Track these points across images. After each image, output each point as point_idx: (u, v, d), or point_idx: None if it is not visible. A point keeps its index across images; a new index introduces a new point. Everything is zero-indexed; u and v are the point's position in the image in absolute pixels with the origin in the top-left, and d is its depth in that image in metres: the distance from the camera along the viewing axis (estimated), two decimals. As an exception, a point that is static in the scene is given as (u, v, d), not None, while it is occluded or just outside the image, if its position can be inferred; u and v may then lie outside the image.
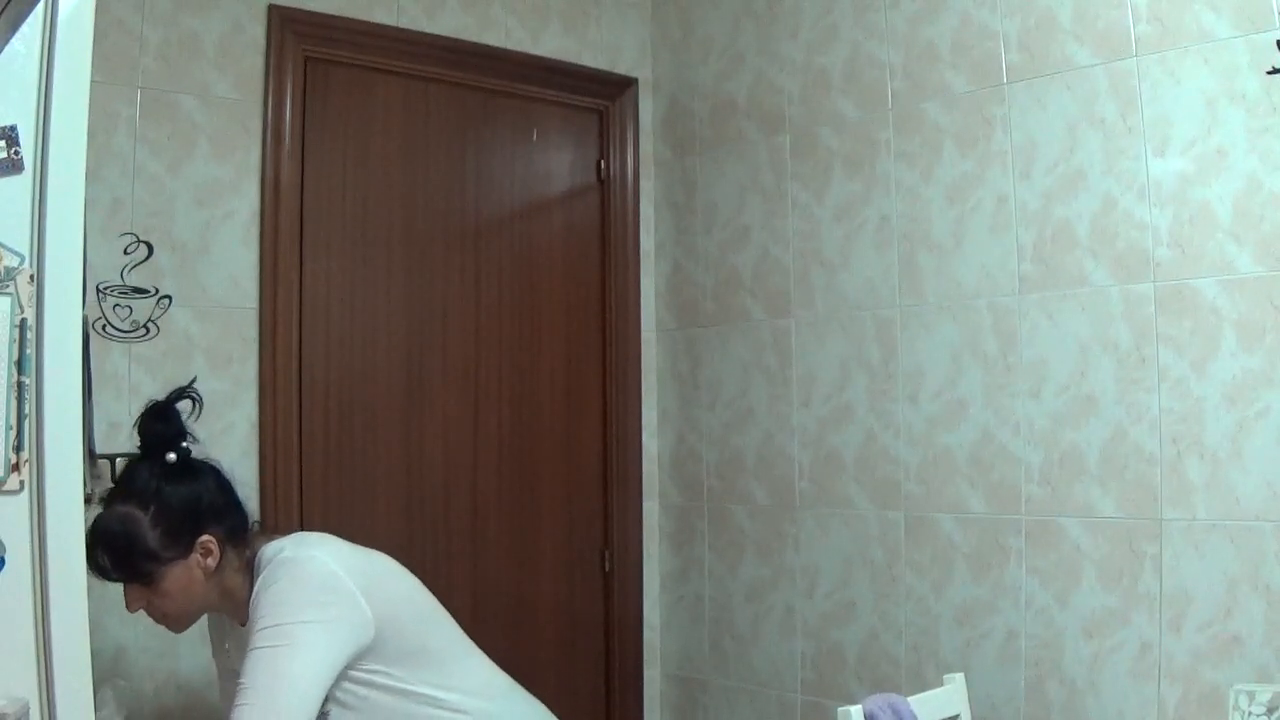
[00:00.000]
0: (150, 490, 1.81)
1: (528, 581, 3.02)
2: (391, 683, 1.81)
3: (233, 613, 1.89)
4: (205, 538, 1.82)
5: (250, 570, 1.84)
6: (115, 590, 2.35)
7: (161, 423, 1.87)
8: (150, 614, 1.85)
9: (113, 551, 1.76)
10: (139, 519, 1.78)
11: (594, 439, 3.19)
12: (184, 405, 1.91)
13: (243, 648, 1.77)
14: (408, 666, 1.83)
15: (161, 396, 2.45)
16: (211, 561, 1.82)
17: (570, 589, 3.11)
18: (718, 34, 3.16)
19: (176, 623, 1.88)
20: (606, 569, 3.18)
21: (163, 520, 1.79)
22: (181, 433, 1.87)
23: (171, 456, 1.84)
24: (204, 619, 2.01)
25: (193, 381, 1.96)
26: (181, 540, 1.80)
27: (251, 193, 2.58)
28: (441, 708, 1.86)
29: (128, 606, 1.82)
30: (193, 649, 2.38)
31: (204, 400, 1.95)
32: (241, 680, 1.65)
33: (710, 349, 3.15)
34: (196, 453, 1.91)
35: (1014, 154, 2.48)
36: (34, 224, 1.43)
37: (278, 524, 2.56)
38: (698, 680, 3.14)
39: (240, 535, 1.88)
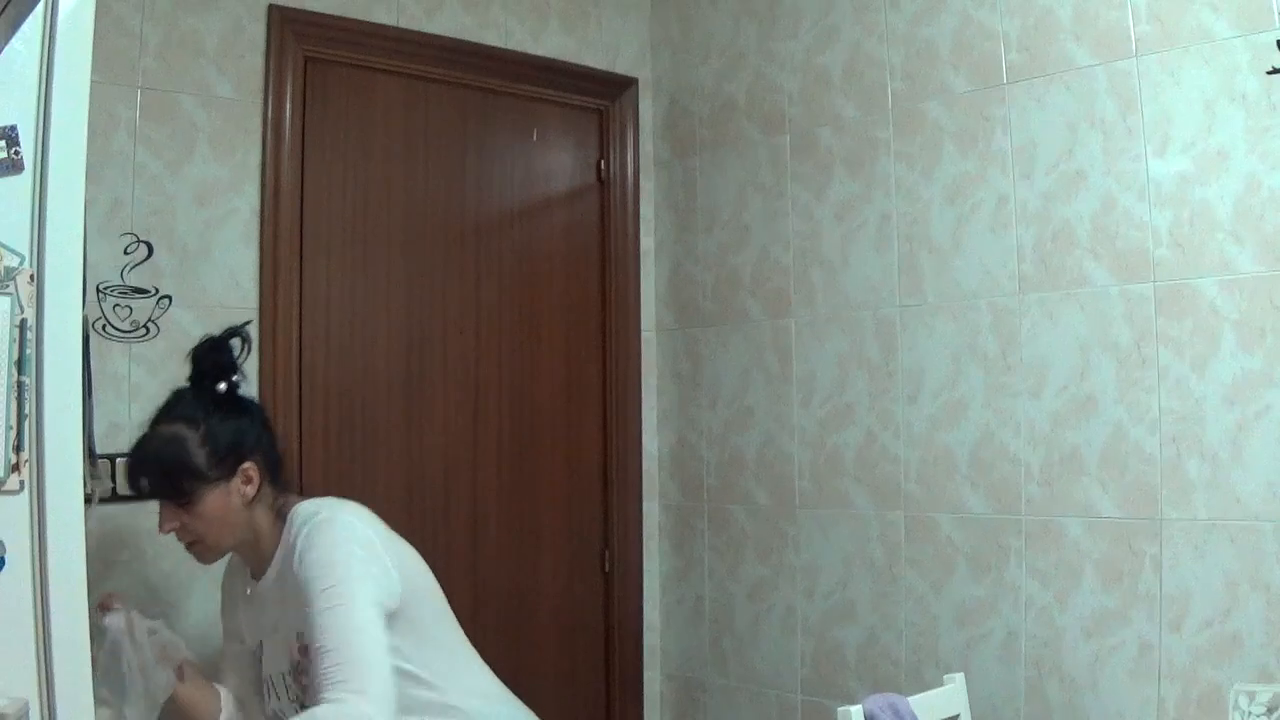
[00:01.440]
0: (200, 413, 1.86)
1: (528, 581, 3.02)
2: (398, 660, 1.79)
3: (254, 557, 1.91)
4: (248, 464, 1.86)
5: (280, 520, 1.87)
6: (115, 590, 2.35)
7: (216, 353, 1.91)
8: (182, 537, 1.87)
9: (158, 466, 1.82)
10: (187, 437, 1.84)
11: (594, 439, 3.19)
12: (235, 345, 1.97)
13: (259, 604, 1.88)
14: (415, 647, 1.84)
15: (162, 394, 2.46)
16: (250, 490, 1.86)
17: (570, 589, 3.11)
18: (718, 34, 3.16)
19: (207, 550, 1.89)
20: (606, 569, 3.18)
21: (210, 441, 1.84)
22: (233, 365, 1.92)
23: (222, 386, 1.89)
24: (220, 576, 2.08)
25: (246, 323, 2.00)
26: (225, 463, 1.85)
27: (251, 193, 2.58)
28: (437, 694, 1.87)
29: (161, 526, 1.85)
30: (192, 649, 2.37)
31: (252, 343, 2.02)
32: (319, 643, 1.68)
33: (710, 349, 3.15)
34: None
35: (1014, 154, 2.48)
36: (34, 224, 1.43)
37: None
38: (698, 680, 3.14)
39: (277, 475, 1.93)
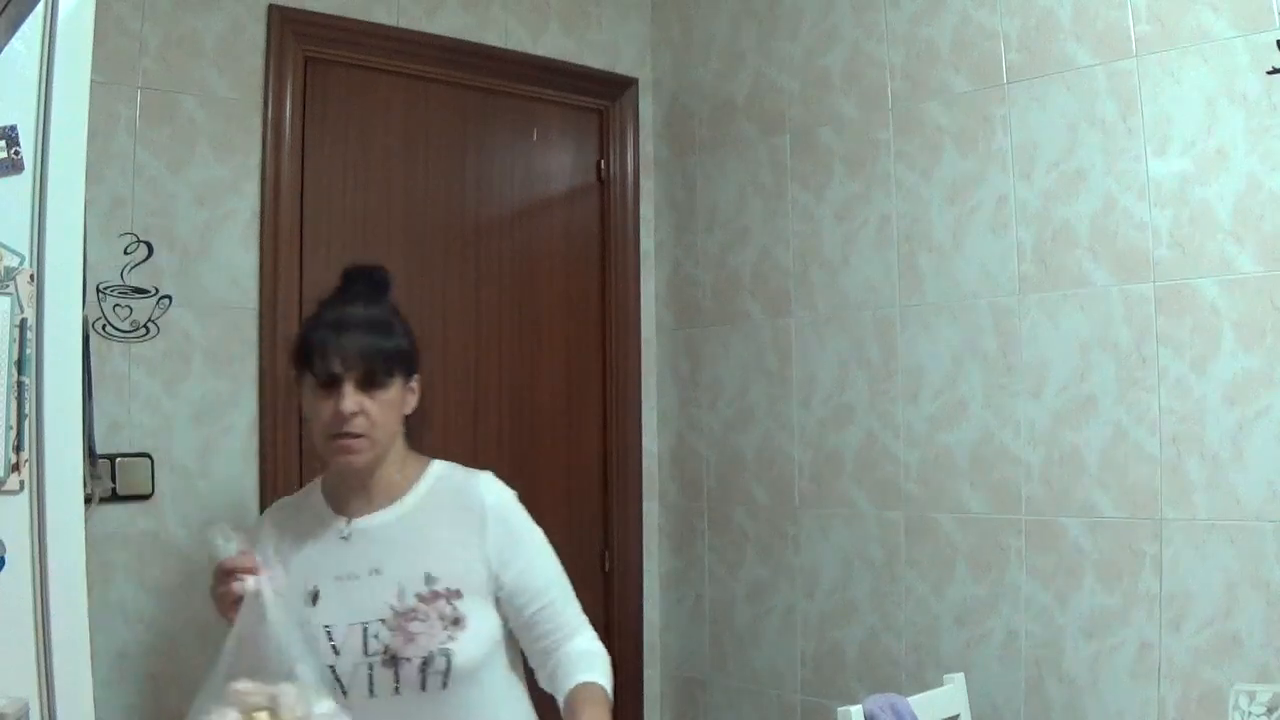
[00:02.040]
0: (396, 306, 1.84)
1: (528, 581, 3.02)
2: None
3: (370, 486, 1.78)
4: (418, 377, 1.82)
5: (415, 461, 1.82)
6: (115, 590, 2.36)
7: (383, 271, 1.88)
8: (353, 425, 1.70)
9: (372, 337, 1.73)
10: (395, 322, 1.80)
11: (594, 439, 3.19)
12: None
13: (358, 543, 1.73)
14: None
15: (162, 395, 2.46)
16: (412, 401, 1.81)
17: (570, 589, 3.11)
18: (718, 34, 3.16)
19: (371, 446, 1.73)
20: (606, 569, 3.18)
21: (407, 335, 1.81)
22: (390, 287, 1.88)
23: (394, 299, 1.87)
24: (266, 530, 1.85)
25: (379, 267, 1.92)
26: (411, 363, 1.80)
27: (251, 193, 2.58)
28: (512, 677, 1.83)
29: (343, 404, 1.69)
30: (192, 649, 2.38)
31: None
32: (556, 593, 1.77)
33: (710, 349, 3.15)
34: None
35: (1014, 154, 2.48)
36: (34, 224, 1.43)
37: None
38: (698, 680, 3.14)
39: (417, 404, 1.85)
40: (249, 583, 1.56)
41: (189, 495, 2.45)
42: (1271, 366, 2.08)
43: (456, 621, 1.69)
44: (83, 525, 1.46)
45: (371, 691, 1.68)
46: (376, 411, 1.71)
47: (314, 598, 1.73)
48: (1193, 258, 2.19)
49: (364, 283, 1.84)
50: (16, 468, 1.38)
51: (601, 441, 3.20)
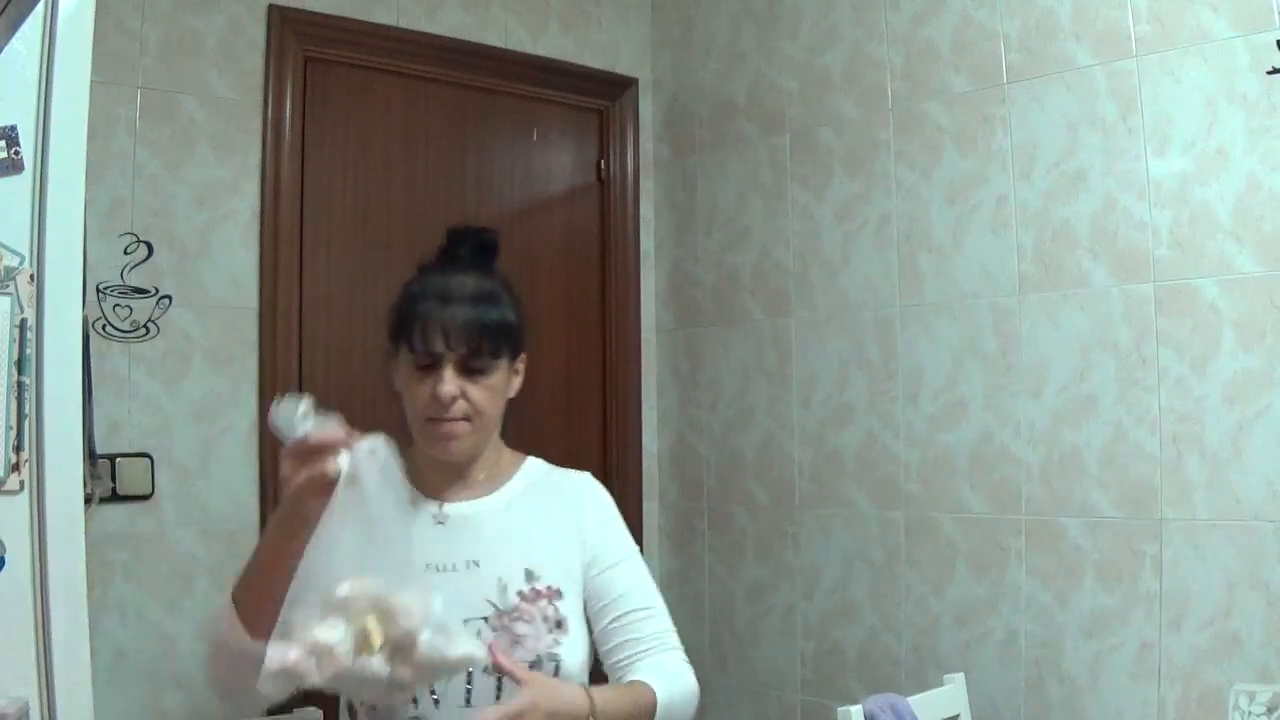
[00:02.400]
0: (505, 275, 1.61)
1: (528, 581, 3.02)
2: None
3: (468, 468, 1.58)
4: (523, 355, 1.60)
5: (512, 453, 1.65)
6: (115, 590, 2.36)
7: (494, 234, 1.64)
8: (454, 410, 1.50)
9: (480, 313, 1.51)
10: (505, 296, 1.57)
11: (594, 439, 3.18)
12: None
13: (452, 529, 1.53)
14: None
15: (162, 395, 2.46)
16: (517, 384, 1.60)
17: (570, 589, 3.11)
18: (718, 34, 3.16)
19: (473, 433, 1.53)
20: (606, 569, 3.18)
21: (517, 311, 1.58)
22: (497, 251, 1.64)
23: (503, 273, 1.62)
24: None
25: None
26: (519, 342, 1.58)
27: (251, 193, 2.58)
28: None
29: (443, 388, 1.49)
30: (193, 650, 2.38)
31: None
32: (646, 602, 1.58)
33: (710, 349, 3.15)
34: None
35: (1014, 154, 2.48)
36: (34, 224, 1.43)
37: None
38: (698, 680, 3.13)
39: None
40: (342, 461, 1.26)
41: (189, 495, 2.45)
42: (1271, 366, 2.08)
43: (560, 624, 1.52)
44: (83, 525, 1.46)
45: (469, 701, 1.45)
46: (480, 397, 1.51)
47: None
48: (1193, 258, 2.19)
49: (472, 246, 1.60)
50: (16, 468, 1.38)
51: (601, 441, 3.19)
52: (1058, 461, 2.38)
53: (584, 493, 1.64)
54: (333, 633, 1.19)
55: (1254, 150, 2.11)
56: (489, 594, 1.49)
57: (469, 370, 1.50)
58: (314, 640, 1.19)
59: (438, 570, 1.49)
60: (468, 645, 1.29)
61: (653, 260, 3.31)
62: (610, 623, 1.56)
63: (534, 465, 1.66)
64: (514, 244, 3.06)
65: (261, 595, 1.30)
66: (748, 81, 3.06)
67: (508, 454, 1.64)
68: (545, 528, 1.58)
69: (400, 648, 1.22)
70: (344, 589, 1.21)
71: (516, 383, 1.60)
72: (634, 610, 1.56)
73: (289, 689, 1.21)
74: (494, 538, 1.54)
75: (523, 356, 1.60)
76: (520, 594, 1.50)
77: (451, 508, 1.56)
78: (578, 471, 1.68)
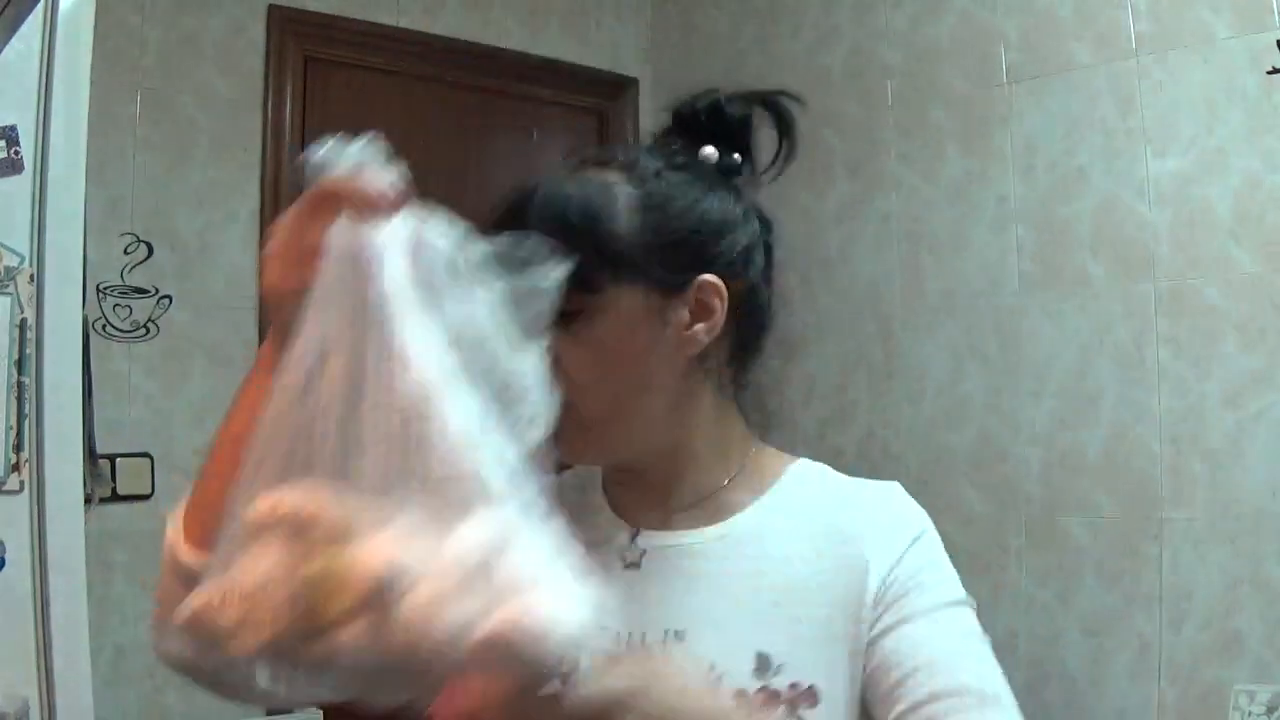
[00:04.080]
0: (653, 169, 0.95)
1: (528, 581, 3.02)
2: None
3: (674, 479, 0.95)
4: (711, 278, 0.91)
5: (756, 457, 0.98)
6: (115, 590, 2.36)
7: (732, 107, 1.07)
8: None
9: (551, 222, 0.87)
10: (622, 193, 0.91)
11: (594, 439, 3.18)
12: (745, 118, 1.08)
13: (646, 579, 0.92)
14: None
15: (162, 395, 2.46)
16: (703, 330, 0.90)
17: (570, 589, 3.11)
18: (718, 34, 3.16)
19: (582, 432, 0.88)
20: (607, 569, 3.17)
21: (660, 211, 0.92)
22: (744, 136, 1.05)
23: (710, 152, 1.00)
24: None
25: (799, 100, 1.11)
26: (673, 256, 0.91)
27: (251, 193, 2.58)
28: None
29: None
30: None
31: (791, 153, 1.09)
32: (949, 672, 0.86)
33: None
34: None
35: (1014, 154, 2.48)
36: (34, 224, 1.43)
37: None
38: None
39: (752, 346, 0.97)
40: (382, 233, 0.70)
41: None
42: (1271, 366, 2.08)
43: None
44: (83, 525, 1.46)
45: None
46: (577, 362, 0.86)
47: None
48: (1193, 258, 2.19)
49: (699, 110, 1.06)
50: (16, 468, 1.38)
51: (601, 441, 3.19)
52: (1058, 461, 2.38)
53: (879, 514, 0.96)
54: (255, 569, 0.61)
55: (1254, 150, 2.11)
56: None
57: (562, 315, 0.81)
58: (227, 581, 0.62)
59: (622, 642, 0.91)
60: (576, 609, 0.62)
61: (653, 260, 3.31)
62: (903, 712, 0.85)
63: (805, 473, 1.00)
64: (514, 244, 3.07)
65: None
66: (748, 81, 3.05)
67: (762, 455, 0.99)
68: (806, 579, 0.90)
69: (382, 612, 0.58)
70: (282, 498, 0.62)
71: (701, 329, 0.90)
72: (936, 696, 0.84)
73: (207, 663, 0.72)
74: (712, 593, 0.91)
75: (708, 282, 0.90)
76: (743, 695, 0.87)
77: (650, 538, 0.95)
78: (882, 483, 1.00)
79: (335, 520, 0.61)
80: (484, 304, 0.68)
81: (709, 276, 0.90)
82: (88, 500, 1.73)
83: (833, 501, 0.96)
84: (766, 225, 1.02)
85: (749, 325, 0.96)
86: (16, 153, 1.41)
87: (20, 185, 1.42)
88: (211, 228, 2.53)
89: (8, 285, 1.39)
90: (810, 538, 0.92)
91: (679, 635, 0.90)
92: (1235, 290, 2.13)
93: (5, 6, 1.21)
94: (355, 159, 0.74)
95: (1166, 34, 2.23)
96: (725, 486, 0.96)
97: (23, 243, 1.41)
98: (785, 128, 1.07)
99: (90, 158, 1.52)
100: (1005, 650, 2.44)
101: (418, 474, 0.61)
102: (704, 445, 0.95)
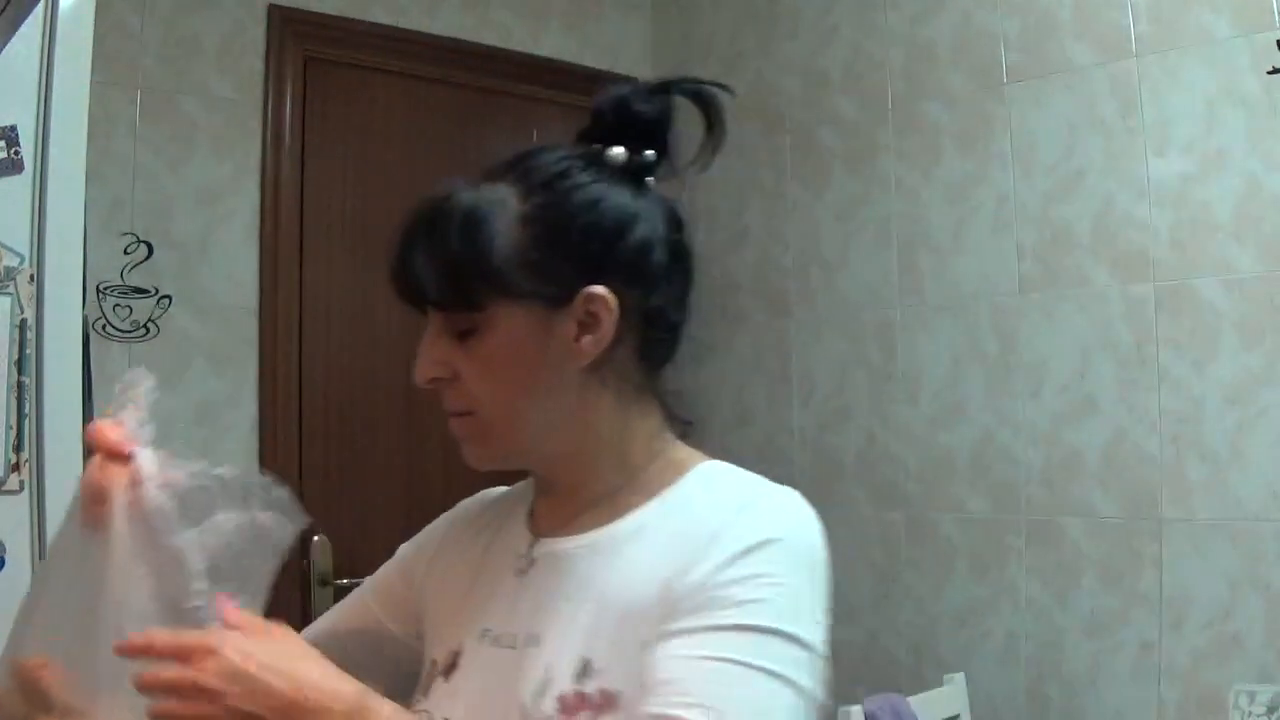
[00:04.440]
0: (551, 174, 0.93)
1: (528, 581, 3.02)
2: None
3: (572, 481, 0.98)
4: (599, 290, 0.91)
5: (663, 463, 0.98)
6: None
7: (642, 103, 0.98)
8: (449, 404, 0.96)
9: (436, 242, 0.91)
10: (506, 205, 0.92)
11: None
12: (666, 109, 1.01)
13: (536, 580, 0.94)
14: None
15: (162, 394, 2.45)
16: (591, 343, 0.92)
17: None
18: (718, 34, 3.16)
19: (485, 439, 0.95)
20: (606, 569, 3.17)
21: (545, 224, 0.91)
22: (659, 132, 0.99)
23: (619, 152, 0.96)
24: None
25: (726, 89, 1.07)
26: (559, 271, 0.91)
27: (251, 193, 2.58)
28: None
29: (419, 372, 0.96)
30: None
31: (719, 143, 1.05)
32: (685, 695, 0.79)
33: (710, 349, 3.14)
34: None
35: (1014, 154, 2.48)
36: (34, 224, 1.43)
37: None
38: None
39: (661, 349, 1.01)
40: (114, 476, 0.83)
41: (189, 495, 2.45)
42: (1271, 366, 2.08)
43: None
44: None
45: None
46: (470, 369, 0.92)
47: (449, 669, 0.96)
48: (1193, 258, 2.19)
49: (606, 108, 0.99)
50: (16, 468, 1.38)
51: (601, 441, 3.19)
52: (1058, 462, 2.38)
53: (732, 518, 0.90)
54: None
55: (1254, 151, 2.11)
56: (525, 695, 0.87)
57: (451, 328, 0.93)
58: None
59: (495, 643, 0.93)
60: None
61: (653, 260, 3.31)
62: None
63: (706, 475, 0.99)
64: (514, 244, 3.07)
65: None
66: (748, 81, 3.06)
67: (668, 457, 0.99)
68: (648, 586, 0.87)
69: None
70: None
71: (589, 340, 0.92)
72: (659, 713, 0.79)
73: None
74: (570, 600, 0.91)
75: (597, 294, 0.91)
76: (561, 698, 0.86)
77: (544, 545, 0.96)
78: (765, 488, 0.99)
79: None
80: (190, 541, 0.81)
81: (596, 289, 0.91)
82: (88, 500, 1.73)
83: (709, 503, 0.93)
84: (676, 224, 1.00)
85: (652, 328, 0.97)
86: (16, 153, 1.41)
87: (20, 185, 1.42)
88: (211, 228, 2.53)
89: (8, 285, 1.39)
90: (670, 541, 0.89)
91: (536, 640, 0.90)
92: (1235, 290, 2.13)
93: (5, 6, 1.21)
94: (121, 400, 0.88)
95: (1166, 34, 2.23)
96: (621, 490, 0.95)
97: (23, 243, 1.41)
98: (712, 117, 1.03)
99: (90, 158, 1.52)
100: (1005, 650, 2.45)
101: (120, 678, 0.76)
102: (603, 450, 0.96)
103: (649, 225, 0.96)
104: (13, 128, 1.41)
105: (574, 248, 0.91)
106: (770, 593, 0.83)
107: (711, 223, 3.15)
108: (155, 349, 2.43)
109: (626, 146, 0.96)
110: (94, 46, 1.50)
